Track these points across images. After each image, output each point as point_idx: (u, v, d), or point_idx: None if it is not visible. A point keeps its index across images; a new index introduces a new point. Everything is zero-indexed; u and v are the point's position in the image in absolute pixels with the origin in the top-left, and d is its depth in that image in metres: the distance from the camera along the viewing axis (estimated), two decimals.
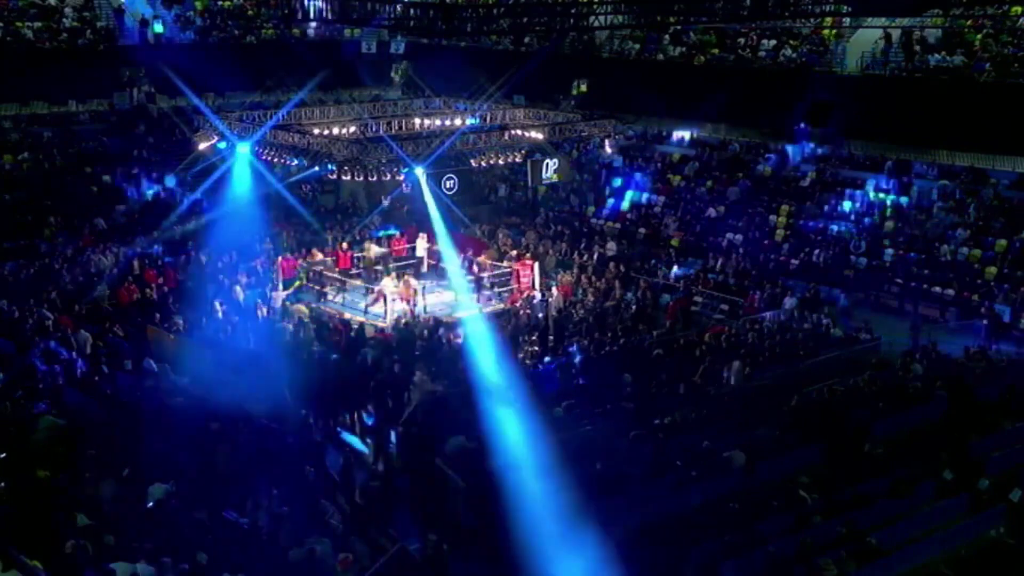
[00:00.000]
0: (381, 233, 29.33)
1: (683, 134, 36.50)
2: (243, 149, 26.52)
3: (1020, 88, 28.24)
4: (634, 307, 25.17)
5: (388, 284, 25.20)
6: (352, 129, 27.46)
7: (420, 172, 24.35)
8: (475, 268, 26.89)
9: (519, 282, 26.12)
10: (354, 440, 18.17)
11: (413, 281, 25.55)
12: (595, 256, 29.11)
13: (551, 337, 22.95)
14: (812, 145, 33.00)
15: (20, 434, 15.24)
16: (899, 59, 31.34)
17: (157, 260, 26.43)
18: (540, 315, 24.26)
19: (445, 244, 26.48)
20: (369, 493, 15.70)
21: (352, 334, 22.37)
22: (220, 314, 23.40)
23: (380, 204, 31.35)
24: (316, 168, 24.79)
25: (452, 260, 26.66)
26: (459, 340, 22.20)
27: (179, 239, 27.97)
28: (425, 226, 28.21)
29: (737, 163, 34.09)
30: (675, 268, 28.44)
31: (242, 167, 27.91)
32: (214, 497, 13.93)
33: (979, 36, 30.49)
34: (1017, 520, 15.28)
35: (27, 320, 21.48)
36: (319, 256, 27.08)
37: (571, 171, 30.28)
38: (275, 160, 26.65)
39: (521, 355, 22.36)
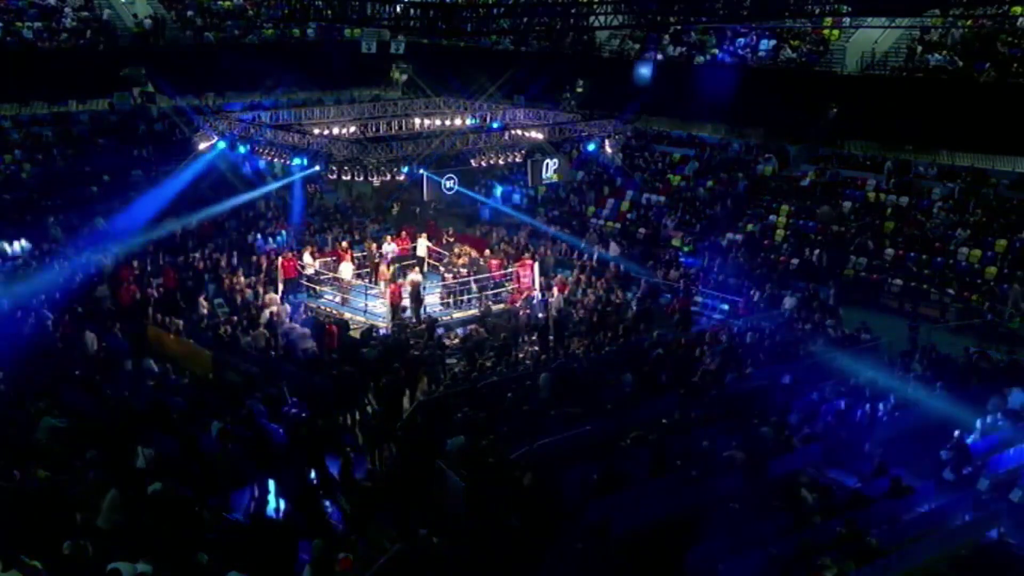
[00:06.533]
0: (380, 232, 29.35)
1: (683, 134, 36.49)
2: (243, 149, 26.55)
3: (1020, 88, 28.25)
4: (634, 307, 25.13)
5: (383, 272, 25.49)
6: (352, 129, 27.45)
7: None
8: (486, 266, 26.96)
9: (519, 282, 26.10)
10: (353, 440, 18.16)
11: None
12: (595, 256, 29.08)
13: (551, 337, 22.95)
14: (812, 145, 33.02)
15: (20, 434, 15.25)
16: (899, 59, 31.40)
17: (157, 260, 26.38)
18: (540, 315, 24.25)
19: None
20: (369, 493, 15.68)
21: (348, 334, 22.35)
22: (204, 309, 23.41)
23: (383, 205, 31.40)
24: (316, 168, 24.80)
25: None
26: (456, 340, 22.20)
27: (178, 239, 27.94)
28: (424, 226, 28.19)
29: (737, 163, 34.09)
30: (676, 270, 28.43)
31: (241, 167, 27.91)
32: (213, 497, 13.92)
33: (975, 34, 30.52)
34: (1017, 520, 15.27)
35: (27, 320, 21.50)
36: (314, 255, 27.06)
37: (571, 171, 30.23)
38: (275, 160, 26.63)
39: (521, 355, 22.38)
